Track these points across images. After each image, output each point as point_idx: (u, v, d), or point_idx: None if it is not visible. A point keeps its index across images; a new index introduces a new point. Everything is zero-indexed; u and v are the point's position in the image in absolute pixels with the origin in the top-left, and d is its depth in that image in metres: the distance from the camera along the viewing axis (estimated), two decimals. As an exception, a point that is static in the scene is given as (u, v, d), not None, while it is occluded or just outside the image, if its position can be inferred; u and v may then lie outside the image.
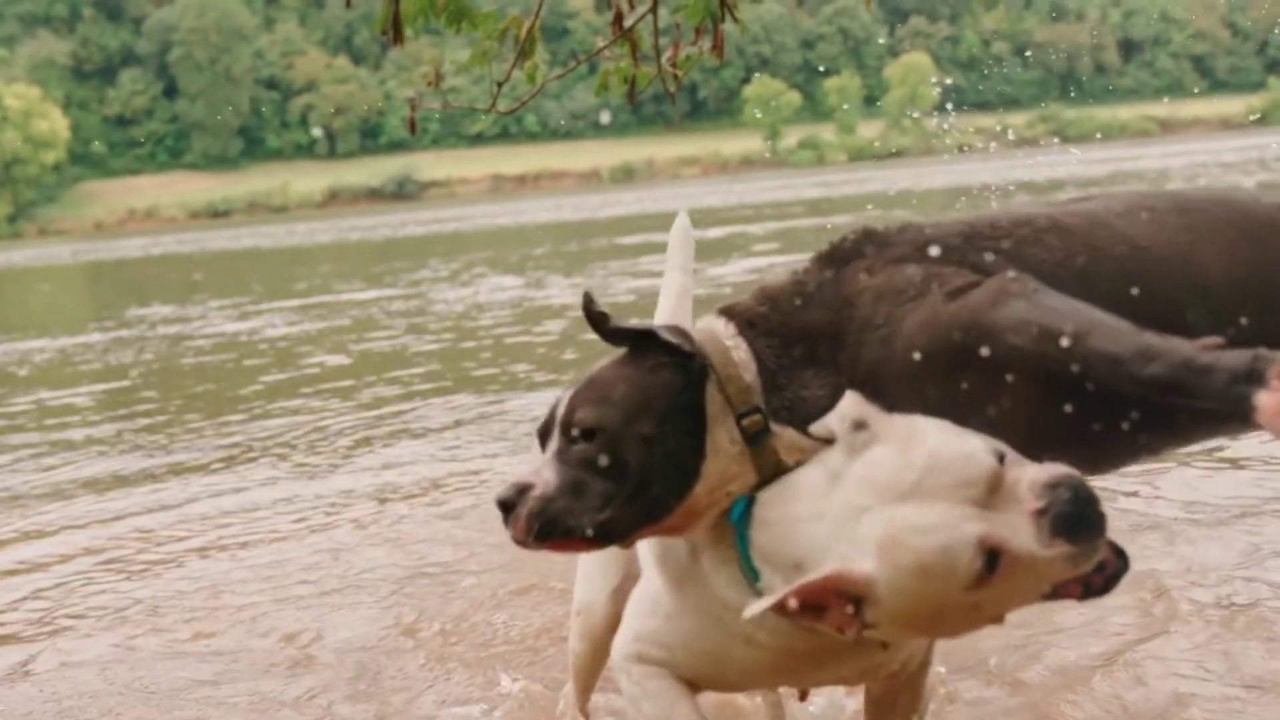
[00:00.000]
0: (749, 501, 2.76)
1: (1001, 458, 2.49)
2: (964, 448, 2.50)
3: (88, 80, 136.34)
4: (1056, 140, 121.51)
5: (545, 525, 2.75)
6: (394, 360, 13.96)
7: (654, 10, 4.84)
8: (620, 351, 2.87)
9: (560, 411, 2.84)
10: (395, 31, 4.78)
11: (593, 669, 3.64)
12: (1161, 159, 58.60)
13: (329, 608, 5.60)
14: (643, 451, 2.75)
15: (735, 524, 2.78)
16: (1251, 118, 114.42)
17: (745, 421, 2.76)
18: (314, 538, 6.77)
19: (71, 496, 8.25)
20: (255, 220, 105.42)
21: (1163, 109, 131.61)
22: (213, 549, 6.72)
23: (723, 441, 2.77)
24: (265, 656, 5.05)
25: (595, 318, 2.80)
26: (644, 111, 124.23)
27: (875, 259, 2.83)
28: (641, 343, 2.83)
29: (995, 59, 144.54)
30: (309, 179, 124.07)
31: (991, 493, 2.46)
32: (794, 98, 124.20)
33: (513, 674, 4.58)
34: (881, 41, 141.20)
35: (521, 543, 2.78)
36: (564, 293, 19.90)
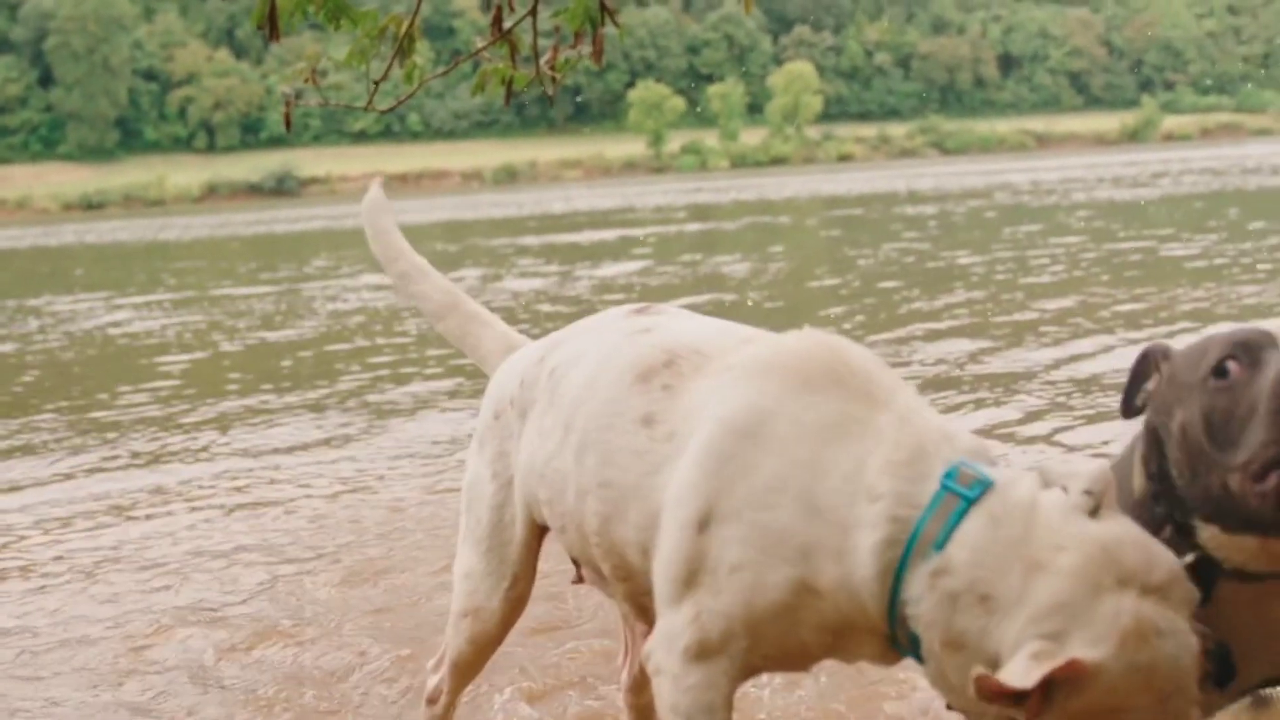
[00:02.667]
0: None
1: None
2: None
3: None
4: (936, 151, 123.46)
5: None
6: (262, 355, 13.86)
7: (534, 13, 4.82)
8: None
9: None
10: (271, 26, 4.72)
11: (474, 670, 3.53)
12: (1037, 173, 59.59)
13: (168, 591, 5.64)
14: None
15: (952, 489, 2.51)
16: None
17: None
18: (151, 524, 6.82)
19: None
20: (131, 214, 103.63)
21: (1039, 123, 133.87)
22: (52, 539, 6.67)
23: None
24: (86, 647, 5.02)
25: None
26: (528, 113, 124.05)
27: None
28: None
29: (878, 70, 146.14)
30: (187, 173, 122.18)
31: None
32: (678, 103, 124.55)
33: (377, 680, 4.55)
34: (766, 49, 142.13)
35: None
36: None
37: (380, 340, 14.50)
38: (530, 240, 32.38)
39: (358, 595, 5.44)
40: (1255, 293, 13.45)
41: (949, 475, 2.52)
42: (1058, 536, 2.39)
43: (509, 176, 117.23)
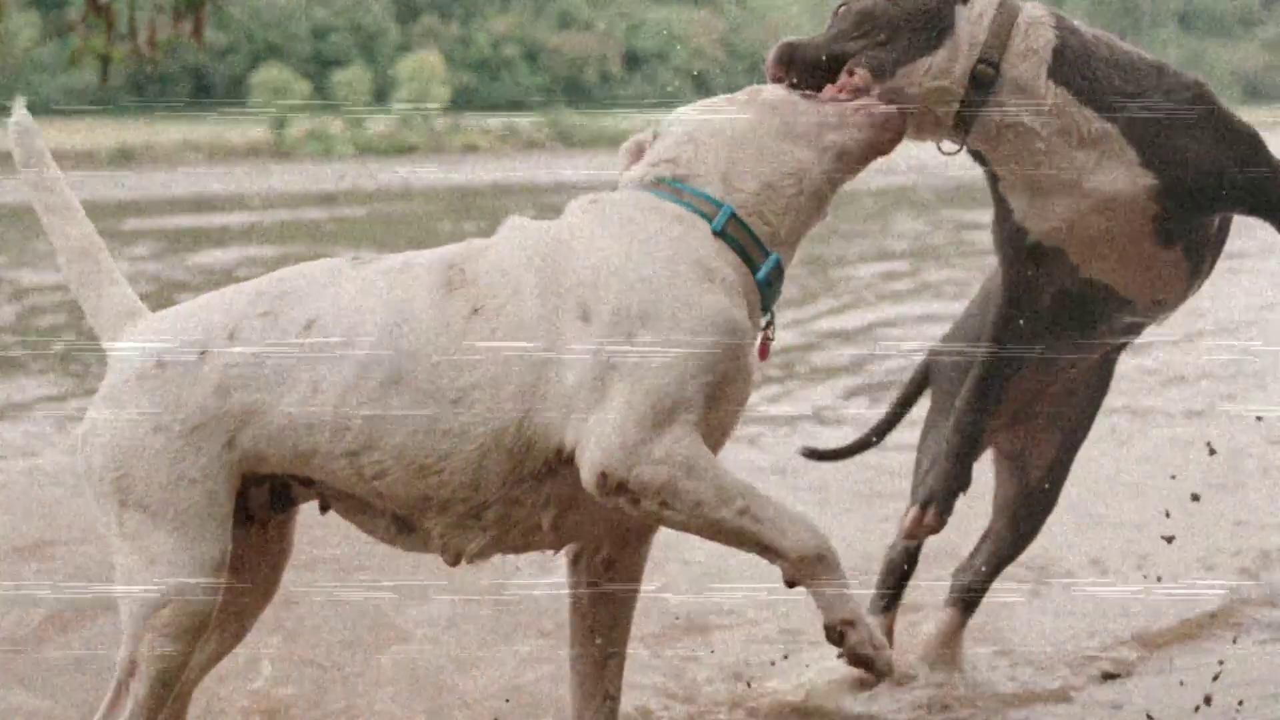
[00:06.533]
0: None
1: None
2: None
3: None
4: (561, 144, 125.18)
5: (792, 48, 3.59)
6: None
7: (131, -13, 4.70)
8: None
9: None
10: None
11: (180, 674, 3.06)
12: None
13: None
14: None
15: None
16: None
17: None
18: None
19: None
20: None
21: (663, 119, 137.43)
22: None
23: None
24: None
25: None
26: (147, 93, 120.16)
27: None
28: None
29: (505, 62, 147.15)
30: None
31: None
32: (304, 88, 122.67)
33: None
34: (393, 37, 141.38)
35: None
36: (28, 276, 19.25)
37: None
38: (143, 223, 31.45)
39: None
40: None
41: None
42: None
43: (125, 158, 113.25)
